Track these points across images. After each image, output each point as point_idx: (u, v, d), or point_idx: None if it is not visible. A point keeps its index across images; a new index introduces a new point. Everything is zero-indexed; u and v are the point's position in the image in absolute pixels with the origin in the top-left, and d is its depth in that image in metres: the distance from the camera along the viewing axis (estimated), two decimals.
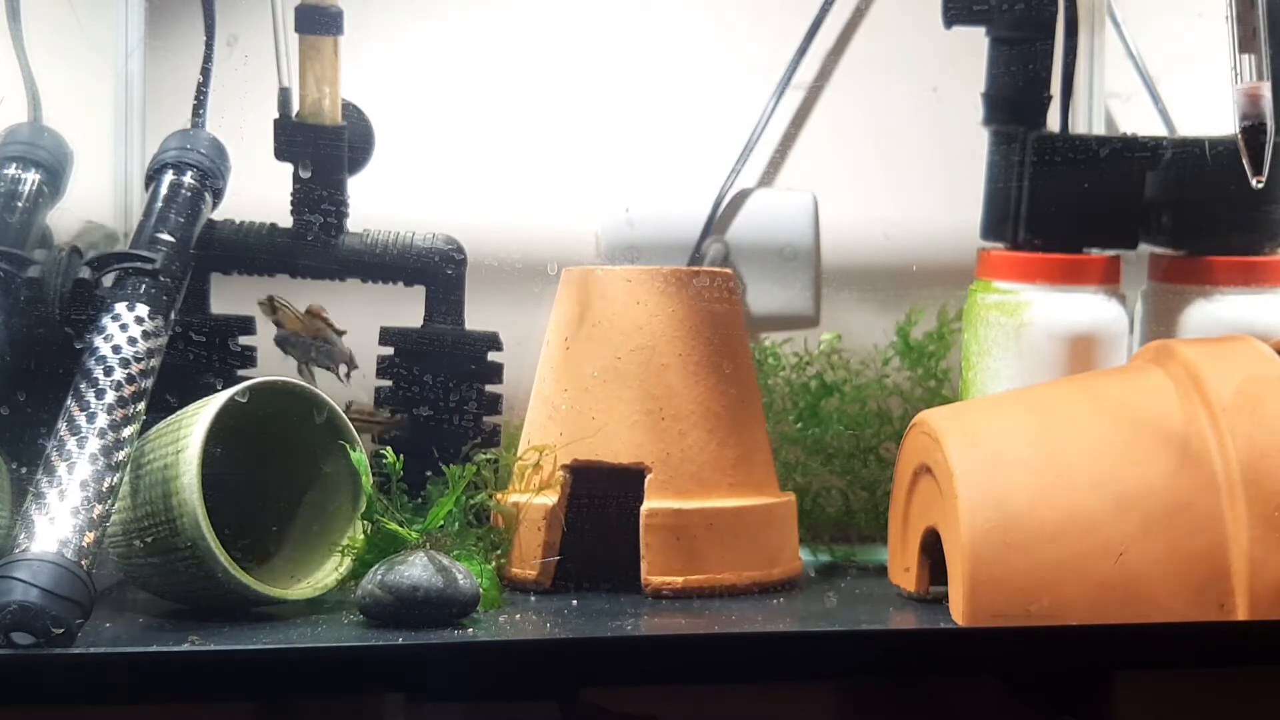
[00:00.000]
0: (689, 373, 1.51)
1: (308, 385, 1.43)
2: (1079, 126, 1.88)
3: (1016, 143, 1.63)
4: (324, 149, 1.60)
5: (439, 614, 1.32)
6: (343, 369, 1.62)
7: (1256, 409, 1.35)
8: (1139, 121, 1.88)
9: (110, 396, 1.34)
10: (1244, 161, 1.46)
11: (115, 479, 1.31)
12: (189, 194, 1.54)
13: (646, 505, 1.47)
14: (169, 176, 1.54)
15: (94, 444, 1.31)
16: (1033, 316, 1.60)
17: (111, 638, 1.28)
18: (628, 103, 1.83)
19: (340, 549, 1.41)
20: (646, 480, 1.48)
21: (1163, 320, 1.65)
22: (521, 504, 1.49)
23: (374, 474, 1.41)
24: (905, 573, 1.48)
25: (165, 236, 1.49)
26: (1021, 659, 1.34)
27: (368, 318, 1.62)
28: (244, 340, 1.61)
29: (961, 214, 1.70)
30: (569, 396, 1.51)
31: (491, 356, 1.62)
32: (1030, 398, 1.47)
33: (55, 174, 1.60)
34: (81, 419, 1.32)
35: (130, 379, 1.35)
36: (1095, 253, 1.64)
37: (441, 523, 1.40)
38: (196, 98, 1.62)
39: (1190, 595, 1.32)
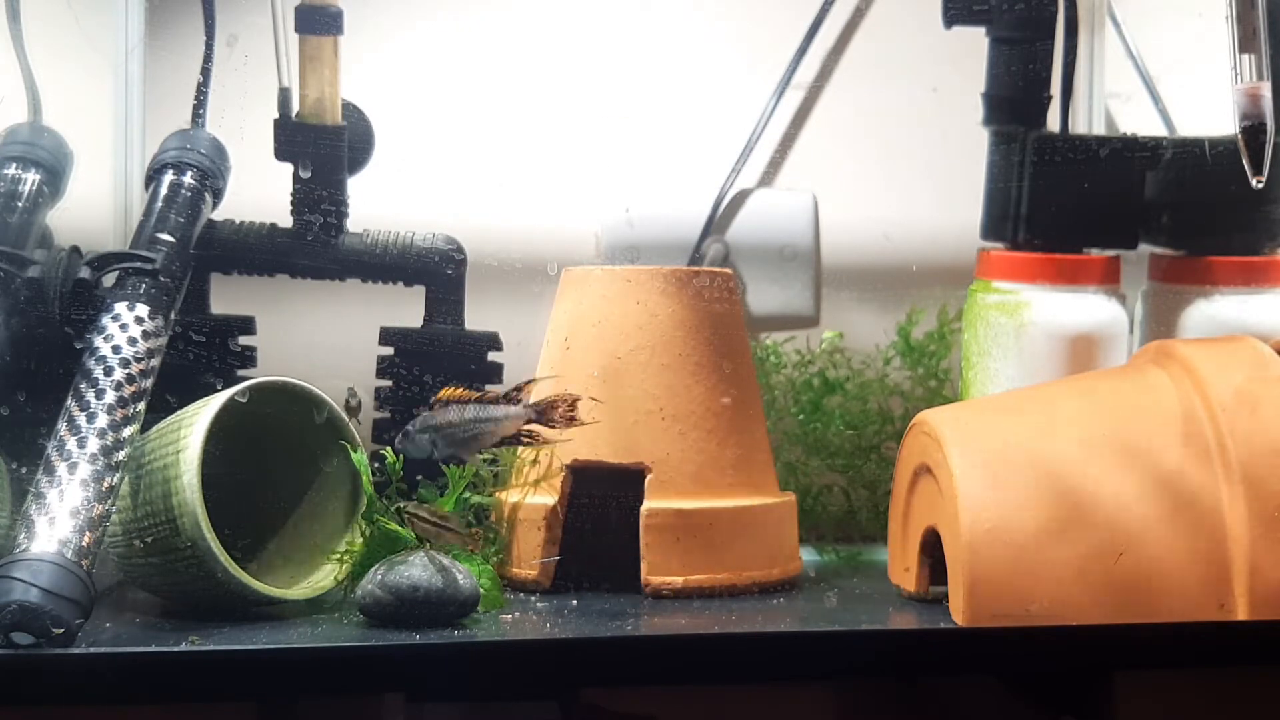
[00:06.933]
0: (689, 373, 1.51)
1: (308, 385, 1.43)
2: (1079, 126, 1.88)
3: (1016, 143, 1.63)
4: (324, 149, 1.60)
5: (439, 614, 1.32)
6: None
7: (1256, 409, 1.35)
8: (1139, 121, 1.88)
9: (110, 396, 1.34)
10: (1244, 161, 1.46)
11: (115, 479, 1.31)
12: (189, 194, 1.54)
13: (646, 505, 1.47)
14: (169, 176, 1.55)
15: (94, 444, 1.31)
16: (1033, 316, 1.60)
17: (111, 638, 1.28)
18: (628, 103, 1.83)
19: (338, 555, 1.40)
20: (646, 480, 1.48)
21: (1163, 320, 1.65)
22: (521, 504, 1.49)
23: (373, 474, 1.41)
24: (905, 573, 1.48)
25: (165, 236, 1.49)
26: (1021, 659, 1.34)
27: (368, 318, 1.62)
28: (244, 340, 1.61)
29: (961, 214, 1.70)
30: None
31: (491, 356, 1.62)
32: (1030, 398, 1.47)
33: (55, 174, 1.60)
34: (81, 419, 1.32)
35: (130, 379, 1.35)
36: (1095, 253, 1.64)
37: None
38: (196, 98, 1.62)
39: (1190, 595, 1.32)
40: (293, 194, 1.61)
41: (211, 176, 1.57)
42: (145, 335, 1.39)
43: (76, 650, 1.21)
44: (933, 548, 1.43)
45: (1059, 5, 1.63)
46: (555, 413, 1.42)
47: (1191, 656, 1.33)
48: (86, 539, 1.26)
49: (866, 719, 1.42)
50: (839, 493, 1.74)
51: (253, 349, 1.61)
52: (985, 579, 1.32)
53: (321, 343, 1.75)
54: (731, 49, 1.87)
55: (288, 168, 1.61)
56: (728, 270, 1.57)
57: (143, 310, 1.40)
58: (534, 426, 1.42)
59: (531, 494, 1.49)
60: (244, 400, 1.38)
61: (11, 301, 1.45)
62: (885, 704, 1.42)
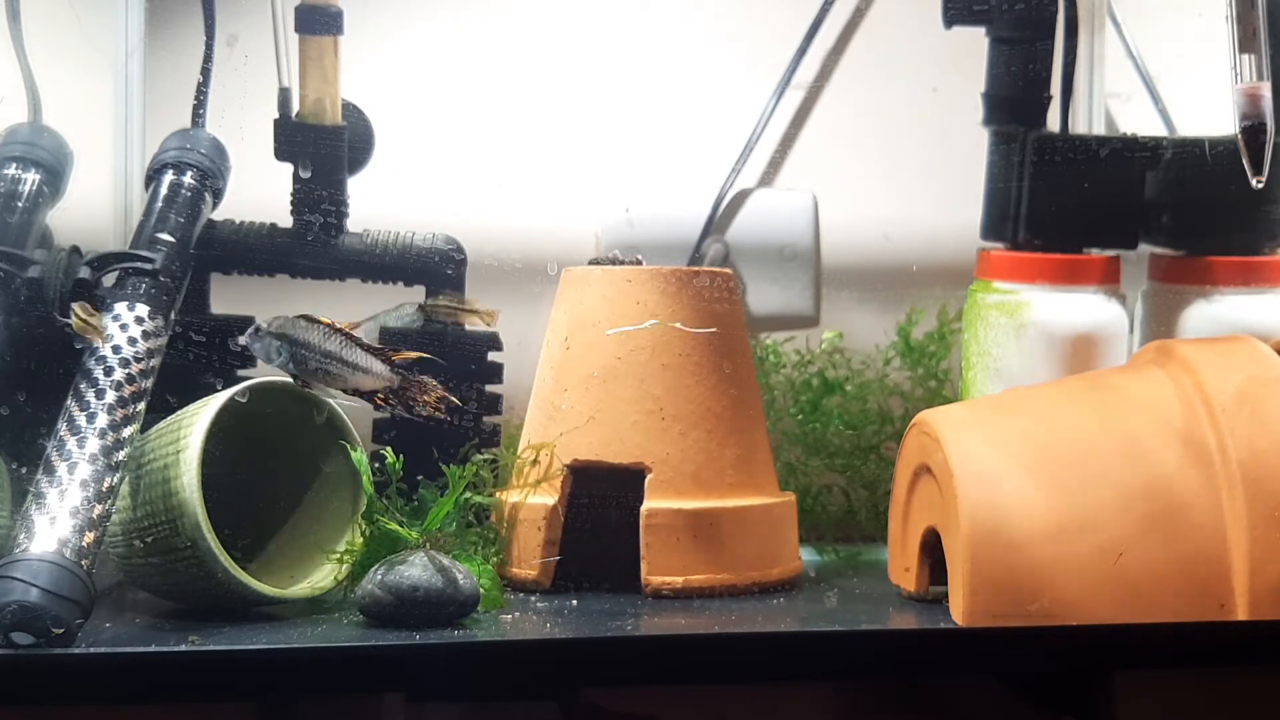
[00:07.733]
0: (689, 373, 1.51)
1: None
2: (1079, 126, 1.88)
3: (1016, 143, 1.64)
4: (324, 149, 1.60)
5: (439, 614, 1.32)
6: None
7: (1256, 409, 1.35)
8: (1139, 121, 1.88)
9: (110, 396, 1.34)
10: (1244, 161, 1.46)
11: (115, 479, 1.31)
12: (189, 194, 1.54)
13: (646, 505, 1.47)
14: (169, 176, 1.55)
15: (94, 444, 1.31)
16: (1033, 316, 1.60)
17: (111, 638, 1.28)
18: (628, 103, 1.83)
19: (338, 555, 1.40)
20: (646, 480, 1.48)
21: (1163, 320, 1.66)
22: (521, 504, 1.49)
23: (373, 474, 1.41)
24: (905, 573, 1.48)
25: (165, 236, 1.49)
26: (1021, 659, 1.34)
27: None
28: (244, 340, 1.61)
29: (961, 214, 1.70)
30: (569, 396, 1.51)
31: (491, 356, 1.62)
32: (1030, 398, 1.47)
33: (55, 174, 1.60)
34: (81, 419, 1.32)
35: (130, 379, 1.35)
36: (1095, 253, 1.64)
37: (440, 523, 1.40)
38: (196, 98, 1.62)
39: (1190, 595, 1.32)
40: (293, 194, 1.61)
41: (211, 176, 1.57)
42: (145, 335, 1.39)
43: (76, 650, 1.21)
44: (933, 548, 1.43)
45: (1059, 5, 1.63)
46: (417, 395, 1.40)
47: (1191, 656, 1.33)
48: (86, 539, 1.26)
49: (866, 719, 1.42)
50: (839, 493, 1.74)
51: None
52: (985, 579, 1.32)
53: None
54: (731, 49, 1.87)
55: (288, 168, 1.61)
56: (728, 270, 1.57)
57: (143, 310, 1.40)
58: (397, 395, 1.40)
59: (531, 494, 1.49)
60: (244, 400, 1.38)
61: (11, 301, 1.45)
62: (885, 704, 1.42)
